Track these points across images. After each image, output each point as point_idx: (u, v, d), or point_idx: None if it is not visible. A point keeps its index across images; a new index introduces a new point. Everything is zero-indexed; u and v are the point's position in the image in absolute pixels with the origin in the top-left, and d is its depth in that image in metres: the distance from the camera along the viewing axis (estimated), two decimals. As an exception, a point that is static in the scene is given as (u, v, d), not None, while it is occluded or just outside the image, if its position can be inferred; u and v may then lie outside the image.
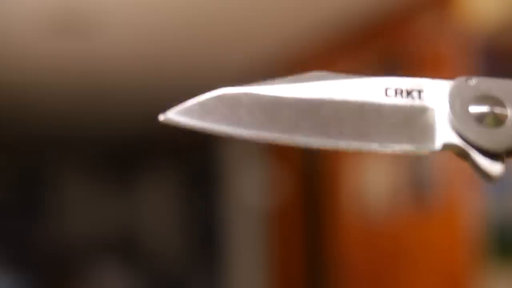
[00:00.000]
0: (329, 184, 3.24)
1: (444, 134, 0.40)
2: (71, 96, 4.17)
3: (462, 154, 0.40)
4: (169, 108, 0.39)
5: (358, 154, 2.92)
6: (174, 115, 0.39)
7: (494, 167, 0.39)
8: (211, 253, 4.93)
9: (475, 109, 0.40)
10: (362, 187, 2.90)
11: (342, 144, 0.40)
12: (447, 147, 0.40)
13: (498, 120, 0.40)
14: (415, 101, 0.40)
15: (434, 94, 0.41)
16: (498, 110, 0.40)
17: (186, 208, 5.70)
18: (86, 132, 5.32)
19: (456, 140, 0.40)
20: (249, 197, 4.08)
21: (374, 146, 0.40)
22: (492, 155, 0.40)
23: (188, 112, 0.39)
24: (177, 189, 5.79)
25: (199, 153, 5.26)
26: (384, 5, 2.72)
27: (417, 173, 2.57)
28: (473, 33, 2.27)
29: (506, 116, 0.40)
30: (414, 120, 0.40)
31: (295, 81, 0.40)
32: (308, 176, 3.49)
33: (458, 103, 0.40)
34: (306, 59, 3.34)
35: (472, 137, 0.40)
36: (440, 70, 2.48)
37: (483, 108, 0.40)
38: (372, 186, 2.84)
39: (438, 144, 0.40)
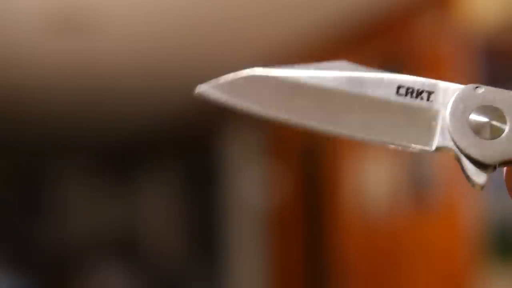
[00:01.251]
0: (329, 184, 3.24)
1: (442, 137, 0.42)
2: (71, 96, 4.17)
3: (455, 157, 0.42)
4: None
5: (358, 154, 2.92)
6: (208, 89, 0.43)
7: (480, 177, 0.41)
8: (211, 252, 4.93)
9: (475, 118, 0.42)
10: (362, 187, 2.90)
11: (347, 133, 0.43)
12: (441, 149, 0.42)
13: (495, 133, 0.41)
14: (423, 102, 0.42)
15: (443, 97, 0.42)
16: (496, 122, 0.41)
17: (186, 208, 5.70)
18: (86, 132, 5.32)
19: (450, 144, 0.42)
20: (249, 197, 4.08)
21: (376, 139, 0.43)
22: (481, 165, 0.41)
23: (219, 88, 0.43)
24: (177, 189, 5.79)
25: (199, 153, 5.26)
26: (385, 5, 2.73)
27: (417, 173, 2.57)
28: (473, 33, 2.27)
29: (503, 130, 0.41)
30: (417, 120, 0.42)
31: (317, 69, 0.44)
32: (308, 176, 3.49)
33: (460, 110, 0.42)
34: (306, 58, 3.33)
35: (465, 145, 0.41)
36: (440, 70, 2.48)
37: (483, 119, 0.41)
38: (372, 186, 2.84)
39: (434, 145, 0.42)
